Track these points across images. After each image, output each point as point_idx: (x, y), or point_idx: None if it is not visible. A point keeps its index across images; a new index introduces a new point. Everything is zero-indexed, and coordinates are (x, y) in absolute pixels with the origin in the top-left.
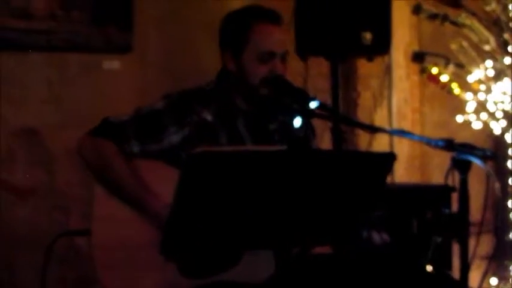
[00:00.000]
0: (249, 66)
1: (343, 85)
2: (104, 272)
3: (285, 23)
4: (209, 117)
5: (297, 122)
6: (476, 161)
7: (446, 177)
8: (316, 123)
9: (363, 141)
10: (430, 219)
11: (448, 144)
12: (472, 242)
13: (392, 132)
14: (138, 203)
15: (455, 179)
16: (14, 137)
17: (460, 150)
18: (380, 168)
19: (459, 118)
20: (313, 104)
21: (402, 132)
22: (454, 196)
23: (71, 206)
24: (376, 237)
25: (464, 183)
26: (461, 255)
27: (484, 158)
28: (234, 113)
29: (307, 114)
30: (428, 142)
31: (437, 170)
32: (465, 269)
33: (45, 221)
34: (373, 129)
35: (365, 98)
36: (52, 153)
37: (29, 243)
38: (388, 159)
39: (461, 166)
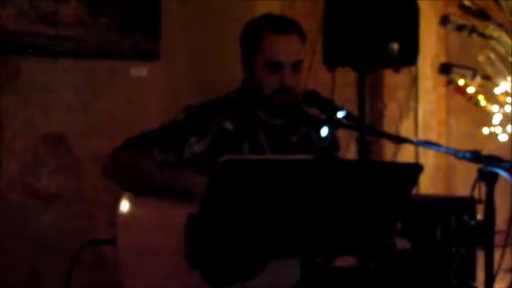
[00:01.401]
0: (259, 76)
1: (370, 96)
2: (128, 279)
3: (299, 30)
4: (230, 127)
5: (324, 131)
6: (503, 174)
7: (472, 188)
8: (342, 134)
9: (388, 152)
10: (454, 228)
11: (475, 156)
12: (496, 254)
13: (419, 143)
14: (180, 186)
15: (480, 191)
16: (41, 142)
17: (487, 162)
18: (406, 179)
19: (485, 130)
20: (340, 114)
21: (428, 143)
22: (479, 208)
23: (97, 212)
24: (399, 243)
25: (490, 195)
26: (486, 266)
27: (510, 170)
28: (255, 123)
29: (334, 124)
30: (455, 154)
31: (462, 182)
32: (490, 280)
33: (70, 227)
34: (399, 140)
35: (391, 109)
36: (78, 160)
37: (54, 249)
38: (415, 170)
39: (487, 178)
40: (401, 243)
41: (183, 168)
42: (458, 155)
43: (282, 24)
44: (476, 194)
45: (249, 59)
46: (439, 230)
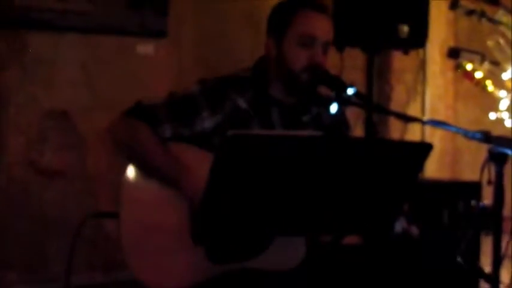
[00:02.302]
0: (289, 50)
1: (377, 78)
2: (132, 255)
3: (329, 13)
4: (243, 105)
5: (334, 108)
6: None
7: (482, 169)
8: (349, 115)
9: (395, 134)
10: (462, 211)
11: (485, 137)
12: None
13: (428, 123)
14: (172, 180)
15: (490, 173)
16: (46, 118)
17: (497, 143)
18: (416, 158)
19: (492, 116)
20: (350, 91)
21: (438, 123)
22: (488, 190)
23: (100, 189)
24: (414, 230)
25: (500, 176)
26: (494, 248)
27: None
28: (268, 102)
29: (343, 102)
30: (465, 134)
31: (468, 166)
32: (497, 262)
33: (73, 204)
34: (408, 119)
35: (398, 92)
36: (83, 136)
37: (57, 226)
38: (425, 149)
39: (497, 159)
40: (411, 230)
41: (183, 165)
42: (468, 135)
43: (316, 4)
44: (485, 176)
45: (278, 34)
46: (446, 214)
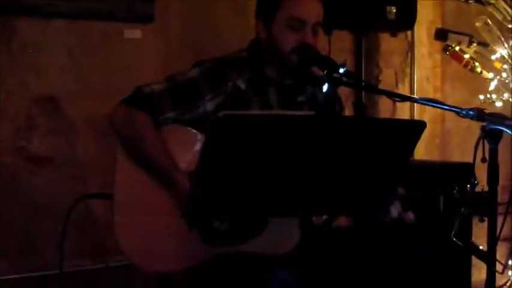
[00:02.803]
0: (279, 33)
1: (366, 61)
2: (124, 238)
3: None
4: (243, 86)
5: (325, 88)
6: (508, 131)
7: (475, 147)
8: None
9: (384, 116)
10: (457, 196)
11: (479, 114)
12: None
13: (421, 101)
14: (165, 179)
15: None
16: (33, 104)
17: (491, 120)
18: (409, 136)
19: (481, 97)
20: (341, 71)
21: (431, 101)
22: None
23: (89, 175)
24: (410, 215)
25: (494, 153)
26: (490, 227)
27: None
28: (265, 83)
29: (334, 82)
30: (459, 112)
31: (458, 148)
32: (493, 242)
33: (62, 190)
34: (400, 97)
35: (387, 75)
36: (71, 122)
37: (46, 212)
38: (418, 126)
39: (491, 136)
40: (407, 216)
41: (173, 163)
42: (462, 112)
43: None
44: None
45: (268, 16)
46: (442, 199)
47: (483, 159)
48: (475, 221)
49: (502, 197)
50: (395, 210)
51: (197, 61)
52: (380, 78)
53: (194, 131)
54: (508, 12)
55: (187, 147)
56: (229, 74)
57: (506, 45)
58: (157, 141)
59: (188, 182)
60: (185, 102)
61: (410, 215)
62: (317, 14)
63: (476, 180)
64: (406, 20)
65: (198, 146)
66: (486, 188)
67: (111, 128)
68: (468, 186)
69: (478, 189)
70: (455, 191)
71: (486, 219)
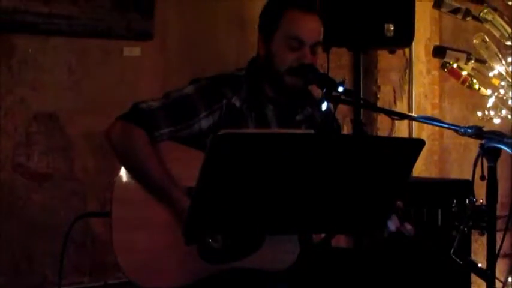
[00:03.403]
0: (277, 52)
1: (364, 78)
2: (123, 255)
3: (319, 12)
4: (238, 103)
5: (324, 106)
6: (507, 149)
7: (474, 165)
8: (336, 114)
9: (382, 133)
10: (456, 212)
11: (477, 132)
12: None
13: (419, 119)
14: (163, 196)
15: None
16: (33, 121)
17: (490, 138)
18: (408, 154)
19: (478, 114)
20: (340, 89)
21: (429, 119)
22: (476, 190)
23: (88, 192)
24: (408, 227)
25: (493, 171)
26: (489, 243)
27: None
28: (263, 100)
29: (333, 100)
30: (457, 129)
31: (456, 165)
32: (493, 258)
33: (61, 207)
34: (399, 115)
35: (385, 92)
36: (70, 139)
37: (45, 229)
38: (417, 145)
39: (490, 154)
40: (407, 229)
41: (175, 184)
42: (460, 130)
43: (305, 3)
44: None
45: (268, 34)
46: (440, 214)
47: (482, 177)
48: (474, 237)
49: (501, 214)
50: (393, 224)
51: (194, 78)
52: (378, 96)
53: (195, 149)
54: (505, 29)
55: (190, 165)
56: (225, 91)
57: (503, 62)
58: (154, 157)
59: (187, 197)
60: (180, 119)
61: (408, 227)
62: (316, 34)
63: (475, 197)
64: (404, 37)
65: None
66: (485, 202)
67: (108, 144)
68: (467, 200)
69: (476, 203)
70: (453, 205)
71: (485, 232)
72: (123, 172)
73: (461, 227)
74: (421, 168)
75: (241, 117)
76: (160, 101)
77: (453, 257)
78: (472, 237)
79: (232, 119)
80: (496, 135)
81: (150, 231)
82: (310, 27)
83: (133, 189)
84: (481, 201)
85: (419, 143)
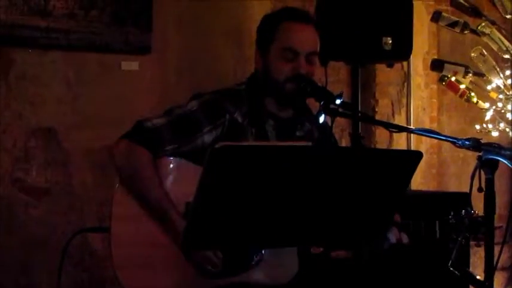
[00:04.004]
0: (273, 64)
1: (362, 92)
2: (123, 271)
3: (315, 23)
4: (240, 119)
5: (321, 119)
6: (504, 161)
7: (472, 177)
8: (334, 128)
9: (380, 147)
10: (453, 223)
11: (475, 144)
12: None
13: (417, 132)
14: (161, 216)
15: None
16: (31, 136)
17: (487, 150)
18: (406, 166)
19: (477, 127)
20: (338, 102)
21: (427, 132)
22: (474, 202)
23: (86, 207)
24: (399, 237)
25: (490, 183)
26: (486, 255)
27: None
28: (263, 116)
29: (331, 113)
30: (455, 142)
31: (454, 178)
32: (490, 270)
33: (60, 222)
34: (397, 128)
35: (383, 106)
36: (68, 153)
37: (44, 244)
38: (415, 157)
39: (488, 166)
40: (402, 238)
41: (174, 206)
42: (458, 143)
43: (300, 15)
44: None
45: (264, 47)
46: (438, 225)
47: (479, 189)
48: (473, 250)
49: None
50: (393, 236)
51: (195, 93)
52: (376, 109)
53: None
54: (503, 43)
55: (190, 181)
56: (227, 106)
57: (501, 75)
58: (155, 179)
59: (183, 220)
60: (185, 135)
61: (405, 238)
62: (311, 44)
63: (472, 209)
64: (402, 50)
65: None
66: (482, 213)
67: (112, 162)
68: (464, 211)
69: (473, 215)
70: (450, 217)
71: (483, 243)
72: (121, 187)
73: (459, 238)
74: (419, 182)
75: (242, 132)
76: (164, 119)
77: (451, 268)
78: (471, 251)
79: (233, 133)
80: (494, 147)
81: (149, 247)
82: (304, 37)
83: (133, 205)
84: (477, 213)
85: (417, 155)
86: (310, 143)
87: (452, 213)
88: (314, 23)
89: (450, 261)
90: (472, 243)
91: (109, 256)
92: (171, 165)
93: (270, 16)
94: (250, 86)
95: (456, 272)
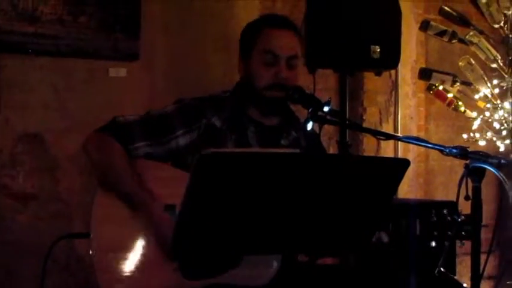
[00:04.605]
0: (254, 70)
1: (350, 100)
2: (104, 275)
3: (295, 28)
4: (218, 123)
5: (309, 126)
6: (491, 169)
7: (459, 185)
8: (321, 136)
9: (368, 154)
10: (434, 222)
11: (462, 152)
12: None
13: (405, 139)
14: (134, 201)
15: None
16: (18, 141)
17: (475, 158)
18: (393, 174)
19: (464, 136)
20: (326, 109)
21: (415, 139)
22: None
23: (73, 213)
24: (384, 236)
25: (477, 191)
26: (473, 264)
27: (499, 166)
28: (245, 122)
29: (319, 120)
30: (442, 149)
31: (441, 187)
32: (477, 279)
33: (46, 228)
34: (385, 135)
35: (371, 114)
36: (55, 160)
37: (30, 250)
38: (402, 165)
39: (475, 174)
40: (381, 237)
41: (149, 191)
42: (445, 151)
43: (279, 21)
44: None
45: (246, 54)
46: (418, 224)
47: (466, 197)
48: (459, 259)
49: (485, 236)
50: (385, 235)
51: (179, 98)
52: (364, 117)
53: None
54: (491, 52)
55: (168, 183)
56: (206, 111)
57: (489, 84)
58: (129, 168)
59: (161, 209)
60: (155, 134)
61: (384, 237)
62: (291, 47)
63: (460, 215)
64: (391, 59)
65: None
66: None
67: (85, 155)
68: (446, 210)
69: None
70: (432, 215)
71: (466, 242)
72: (101, 192)
73: (443, 242)
74: (406, 190)
75: (221, 138)
76: (137, 116)
77: (437, 275)
78: (457, 260)
79: (211, 138)
80: (481, 155)
81: (130, 251)
82: (284, 41)
83: (113, 209)
84: (461, 210)
85: (404, 163)
86: (296, 151)
87: (434, 212)
88: (294, 28)
89: (437, 270)
90: (458, 252)
91: (90, 261)
92: (149, 166)
93: (250, 24)
94: (235, 93)
95: (442, 280)
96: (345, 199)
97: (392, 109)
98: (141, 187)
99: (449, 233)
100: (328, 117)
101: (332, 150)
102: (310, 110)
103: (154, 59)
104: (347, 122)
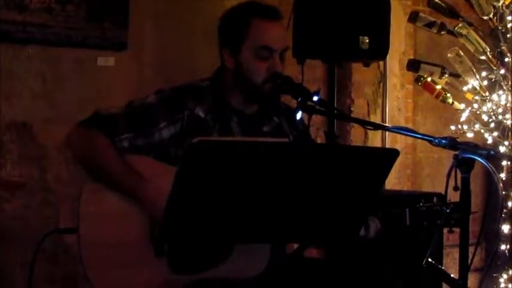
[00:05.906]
0: (247, 64)
1: (338, 91)
2: (93, 270)
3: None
4: (202, 114)
5: (298, 115)
6: (480, 160)
7: (448, 175)
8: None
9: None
10: (423, 210)
11: (451, 143)
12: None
13: (393, 129)
14: (128, 189)
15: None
16: (5, 130)
17: (464, 149)
18: (382, 164)
19: (452, 128)
20: (314, 98)
21: (404, 130)
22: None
23: (61, 202)
24: (372, 225)
25: (466, 182)
26: (461, 255)
27: (488, 157)
28: (227, 113)
29: (307, 109)
30: (431, 140)
31: (428, 179)
32: (465, 270)
33: (34, 217)
34: (373, 125)
35: (359, 105)
36: (43, 149)
37: (17, 239)
38: (391, 155)
39: (464, 165)
40: (373, 224)
41: (142, 177)
42: (434, 141)
43: (270, 11)
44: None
45: (235, 46)
46: (407, 213)
47: (455, 188)
48: (446, 251)
49: (472, 228)
50: (374, 227)
51: (158, 89)
52: (352, 108)
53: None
54: (479, 44)
55: (155, 177)
56: (188, 102)
57: (477, 76)
58: (117, 157)
59: (154, 190)
60: (139, 126)
61: (378, 224)
62: (283, 40)
63: (449, 204)
64: (379, 50)
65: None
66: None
67: (68, 149)
68: (435, 198)
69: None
70: (421, 204)
71: (455, 230)
72: (88, 186)
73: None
74: (393, 182)
75: (206, 128)
76: (121, 109)
77: (425, 266)
78: (444, 252)
79: (195, 129)
80: (470, 146)
81: (119, 246)
82: (278, 35)
83: (100, 204)
84: (450, 198)
85: (393, 153)
86: (285, 139)
87: (422, 201)
88: (281, 17)
89: (425, 260)
90: (445, 244)
91: (78, 256)
92: (135, 161)
93: (236, 12)
94: (215, 82)
95: (430, 270)
96: (335, 188)
97: (380, 100)
98: (130, 171)
99: (439, 221)
100: (316, 107)
101: (320, 140)
102: (299, 99)
103: (142, 49)
104: (335, 112)
